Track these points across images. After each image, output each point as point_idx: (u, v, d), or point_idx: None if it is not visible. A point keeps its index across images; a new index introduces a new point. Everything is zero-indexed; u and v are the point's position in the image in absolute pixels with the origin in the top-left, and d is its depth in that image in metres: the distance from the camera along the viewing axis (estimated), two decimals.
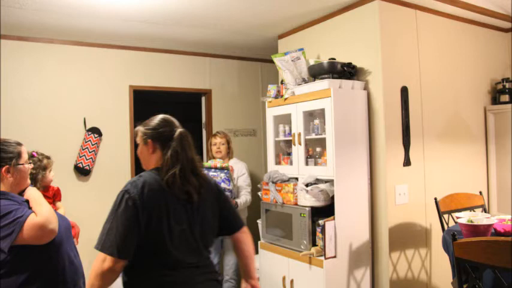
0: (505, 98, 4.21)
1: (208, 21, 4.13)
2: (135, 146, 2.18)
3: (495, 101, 4.33)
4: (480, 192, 3.72)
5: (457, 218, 2.97)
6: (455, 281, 2.48)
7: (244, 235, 2.24)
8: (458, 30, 4.10)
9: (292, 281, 3.60)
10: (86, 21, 3.99)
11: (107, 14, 3.80)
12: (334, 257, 3.35)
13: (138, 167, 3.57)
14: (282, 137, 4.01)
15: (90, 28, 4.21)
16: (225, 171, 4.10)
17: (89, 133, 4.61)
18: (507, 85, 4.21)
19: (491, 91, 4.36)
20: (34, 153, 3.25)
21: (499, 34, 4.48)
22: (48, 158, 3.40)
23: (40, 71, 4.47)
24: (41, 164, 3.30)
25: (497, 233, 2.73)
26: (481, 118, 4.28)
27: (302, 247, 3.48)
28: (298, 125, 3.70)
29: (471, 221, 2.73)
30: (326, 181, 3.49)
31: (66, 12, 3.71)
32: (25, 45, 4.39)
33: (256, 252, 3.10)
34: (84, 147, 4.57)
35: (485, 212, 3.66)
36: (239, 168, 4.41)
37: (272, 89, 4.08)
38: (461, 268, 2.26)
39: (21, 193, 2.17)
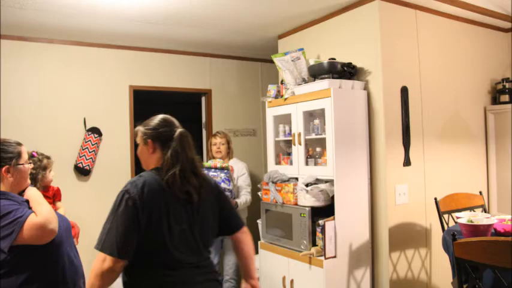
0: (505, 98, 4.21)
1: (208, 21, 4.13)
2: (135, 146, 2.18)
3: (495, 101, 4.33)
4: (480, 192, 3.72)
5: (457, 218, 2.97)
6: (455, 281, 2.48)
7: (244, 235, 2.24)
8: (458, 30, 4.10)
9: (292, 281, 3.60)
10: (86, 21, 3.99)
11: (107, 14, 3.80)
12: (334, 257, 3.35)
13: (138, 167, 3.57)
14: (282, 137, 4.00)
15: (90, 28, 4.21)
16: (225, 171, 4.10)
17: (89, 133, 4.60)
18: (507, 85, 4.21)
19: (491, 91, 4.36)
20: (34, 153, 3.25)
21: (499, 34, 4.48)
22: (48, 158, 3.40)
23: (40, 71, 4.47)
24: (41, 164, 3.30)
25: (497, 233, 2.73)
26: (481, 118, 4.28)
27: (302, 247, 3.48)
28: (298, 125, 3.70)
29: (471, 221, 2.73)
30: (326, 181, 3.48)
31: (66, 12, 3.71)
32: (25, 45, 4.39)
33: (256, 252, 3.10)
34: (84, 147, 4.57)
35: (485, 212, 3.66)
36: (239, 168, 4.41)
37: (272, 89, 4.08)
38: (461, 268, 2.26)
39: (21, 193, 2.17)
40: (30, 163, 2.26)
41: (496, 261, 2.02)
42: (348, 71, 3.56)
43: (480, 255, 2.09)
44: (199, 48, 5.20)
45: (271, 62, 4.04)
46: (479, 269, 2.18)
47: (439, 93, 3.90)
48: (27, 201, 2.10)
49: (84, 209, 4.45)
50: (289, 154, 3.96)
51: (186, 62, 5.34)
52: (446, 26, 4.01)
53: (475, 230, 2.64)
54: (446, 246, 2.87)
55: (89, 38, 4.59)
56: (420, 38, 3.77)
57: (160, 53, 5.15)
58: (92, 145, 4.59)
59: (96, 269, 1.82)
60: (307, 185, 3.48)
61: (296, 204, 3.57)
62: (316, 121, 3.62)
